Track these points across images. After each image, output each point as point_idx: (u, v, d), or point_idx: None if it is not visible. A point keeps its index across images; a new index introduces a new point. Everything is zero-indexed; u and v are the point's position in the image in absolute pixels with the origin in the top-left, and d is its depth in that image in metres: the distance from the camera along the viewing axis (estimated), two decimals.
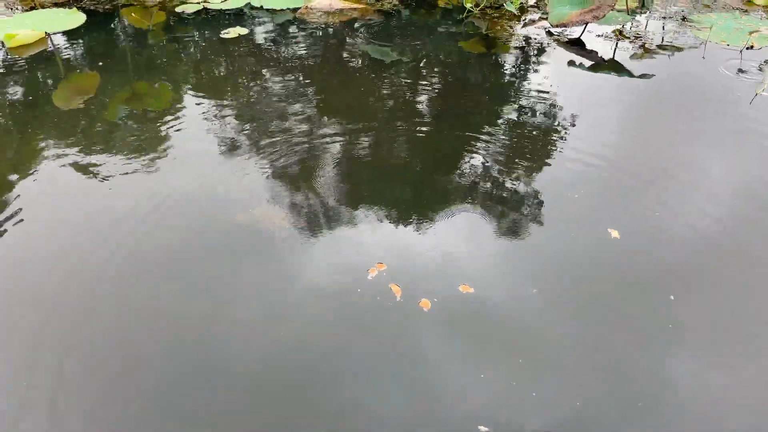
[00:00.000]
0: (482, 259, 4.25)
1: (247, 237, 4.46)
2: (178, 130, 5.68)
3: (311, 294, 3.98)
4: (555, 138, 5.51)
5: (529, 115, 5.91)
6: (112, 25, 7.30)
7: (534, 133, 5.62)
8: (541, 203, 4.79)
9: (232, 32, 7.24)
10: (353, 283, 4.10)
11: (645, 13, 8.10)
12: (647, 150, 5.32)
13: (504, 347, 3.58)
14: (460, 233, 4.46)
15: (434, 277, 4.14)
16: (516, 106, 6.02)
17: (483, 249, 4.33)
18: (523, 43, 7.18)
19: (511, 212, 4.66)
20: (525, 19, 7.86)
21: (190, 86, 6.27)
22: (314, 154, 5.37)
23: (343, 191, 4.89)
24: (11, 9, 7.93)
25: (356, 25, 7.27)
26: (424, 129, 5.70)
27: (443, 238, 4.44)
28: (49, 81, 6.27)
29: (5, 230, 4.39)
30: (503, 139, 5.56)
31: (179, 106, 6.04)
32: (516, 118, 5.84)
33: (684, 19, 7.35)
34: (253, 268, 4.18)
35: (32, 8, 7.75)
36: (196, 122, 5.81)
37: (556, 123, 5.69)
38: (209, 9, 8.10)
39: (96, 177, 5.05)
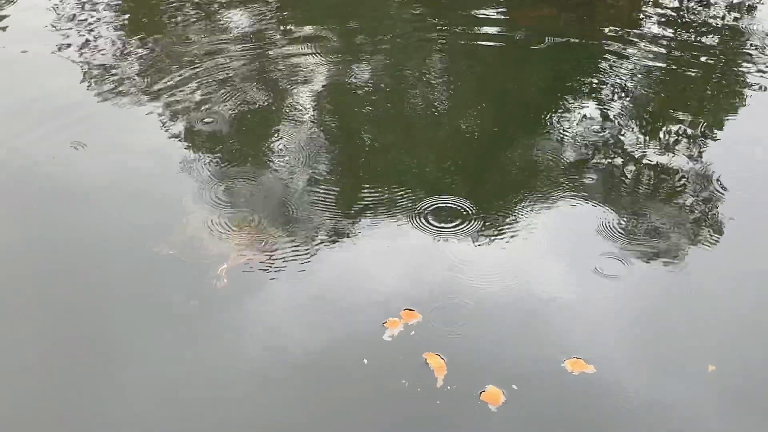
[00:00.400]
0: (605, 312, 3.02)
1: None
2: None
3: (280, 370, 2.76)
4: None
5: None
6: None
7: None
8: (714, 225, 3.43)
9: None
10: (356, 348, 2.81)
11: None
12: None
13: None
14: (560, 258, 3.26)
15: (510, 340, 2.90)
16: None
17: (604, 291, 3.10)
18: None
19: (666, 232, 3.36)
20: None
21: None
22: None
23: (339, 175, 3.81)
24: None
25: None
26: None
27: (526, 265, 3.24)
28: None
29: None
30: None
31: None
32: None
33: None
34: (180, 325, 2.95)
35: None
36: None
37: None
38: None
39: None
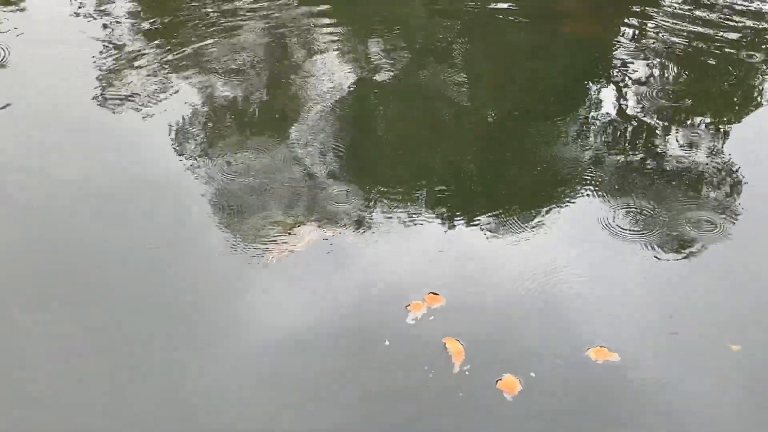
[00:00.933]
0: (629, 300, 2.92)
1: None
2: None
3: (294, 346, 2.72)
4: None
5: None
6: None
7: None
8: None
9: None
10: (377, 328, 2.77)
11: None
12: None
13: None
14: (585, 245, 3.18)
15: (532, 329, 2.81)
16: None
17: (627, 280, 3.01)
18: None
19: (688, 221, 3.28)
20: None
21: None
22: None
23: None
24: None
25: None
26: None
27: (551, 252, 3.13)
28: None
29: None
30: None
31: None
32: None
33: None
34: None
35: None
36: None
37: None
38: None
39: None
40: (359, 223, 3.27)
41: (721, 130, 3.94)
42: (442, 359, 2.68)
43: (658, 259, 3.12)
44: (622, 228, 3.26)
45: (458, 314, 2.87)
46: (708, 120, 4.03)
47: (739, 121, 4.09)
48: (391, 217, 3.32)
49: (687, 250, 3.18)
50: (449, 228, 3.30)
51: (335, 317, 2.84)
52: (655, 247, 3.17)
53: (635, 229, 3.26)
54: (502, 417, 2.53)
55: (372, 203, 3.38)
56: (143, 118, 3.89)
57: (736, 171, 3.59)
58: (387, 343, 2.72)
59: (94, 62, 4.31)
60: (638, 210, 3.35)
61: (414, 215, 3.34)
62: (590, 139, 3.87)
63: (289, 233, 3.14)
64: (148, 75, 4.17)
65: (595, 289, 2.99)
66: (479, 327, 2.83)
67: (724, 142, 3.82)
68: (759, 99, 4.25)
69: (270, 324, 2.81)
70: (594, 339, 2.78)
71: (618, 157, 3.72)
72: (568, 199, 3.47)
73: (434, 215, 3.35)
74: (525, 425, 2.52)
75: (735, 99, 4.29)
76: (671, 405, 2.56)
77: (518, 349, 2.77)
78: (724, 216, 3.33)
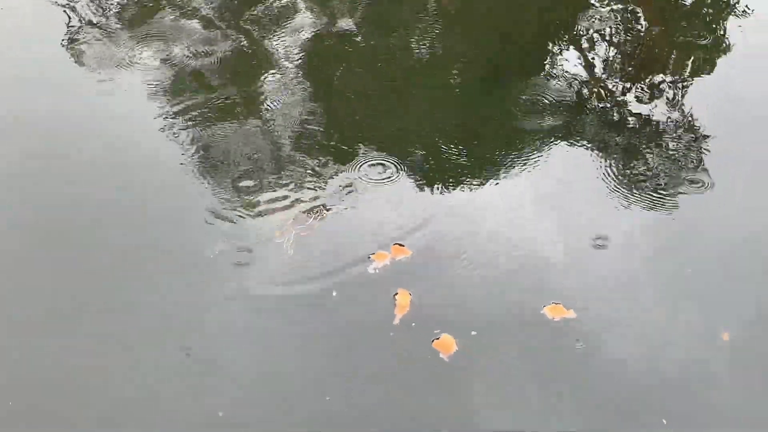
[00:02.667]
0: (592, 255, 2.92)
1: None
2: None
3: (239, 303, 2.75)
4: None
5: None
6: None
7: None
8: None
9: None
10: (334, 276, 2.83)
11: None
12: None
13: None
14: (551, 206, 3.11)
15: (489, 286, 2.80)
16: None
17: (594, 232, 2.98)
18: None
19: (657, 181, 3.20)
20: None
21: None
22: None
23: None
24: None
25: None
26: None
27: (519, 210, 3.11)
28: None
29: None
30: None
31: None
32: None
33: None
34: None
35: None
36: None
37: None
38: None
39: None
40: (331, 184, 3.24)
41: (694, 84, 3.79)
42: (387, 311, 2.72)
43: (626, 215, 3.07)
44: (591, 187, 3.19)
45: (419, 268, 2.87)
46: (688, 72, 3.88)
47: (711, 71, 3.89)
48: (364, 175, 3.28)
49: (656, 209, 3.10)
50: (425, 185, 3.27)
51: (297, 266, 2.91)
52: (625, 205, 3.11)
53: (602, 187, 3.18)
54: (436, 375, 2.55)
55: (344, 165, 3.33)
56: (100, 81, 3.76)
57: (707, 128, 3.46)
58: (334, 294, 2.75)
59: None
60: (605, 168, 3.27)
61: (388, 173, 3.30)
62: (561, 96, 3.72)
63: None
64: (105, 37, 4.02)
65: (562, 250, 2.94)
66: (435, 283, 2.83)
67: (696, 96, 3.69)
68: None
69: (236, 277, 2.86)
70: (553, 297, 2.74)
71: (590, 115, 3.60)
72: (538, 159, 3.37)
73: (409, 172, 3.30)
74: (458, 384, 2.54)
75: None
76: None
77: (471, 307, 2.76)
78: (690, 171, 3.24)
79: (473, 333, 2.63)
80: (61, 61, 3.84)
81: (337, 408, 2.46)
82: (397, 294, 2.75)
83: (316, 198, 3.12)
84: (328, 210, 3.04)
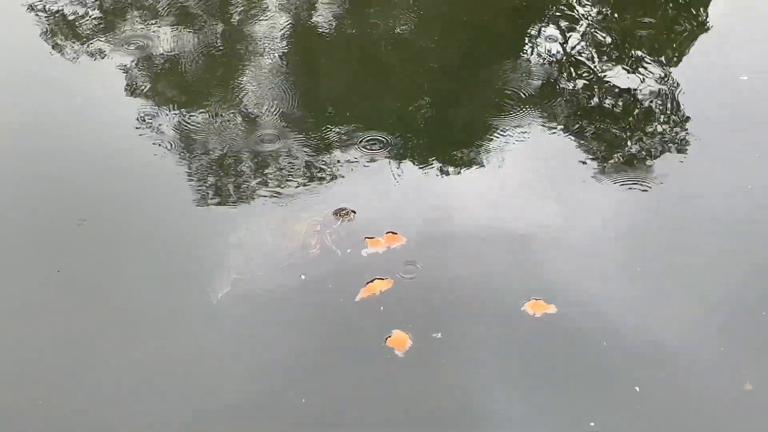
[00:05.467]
0: (577, 248, 2.81)
1: None
2: None
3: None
4: None
5: None
6: None
7: None
8: None
9: None
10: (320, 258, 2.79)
11: None
12: None
13: None
14: (534, 192, 3.04)
15: (472, 279, 2.69)
16: None
17: (576, 225, 2.90)
18: None
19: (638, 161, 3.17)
20: None
21: None
22: None
23: None
24: None
25: None
26: None
27: (497, 199, 3.03)
28: None
29: None
30: None
31: None
32: None
33: None
34: None
35: None
36: None
37: None
38: None
39: None
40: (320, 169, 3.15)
41: (670, 60, 3.71)
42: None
43: (608, 203, 2.98)
44: (572, 169, 3.10)
45: (409, 259, 2.72)
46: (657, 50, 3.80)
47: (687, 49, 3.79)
48: (352, 160, 3.16)
49: (637, 191, 3.00)
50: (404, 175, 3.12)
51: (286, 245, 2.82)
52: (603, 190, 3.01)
53: (581, 174, 3.08)
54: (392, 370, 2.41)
55: (330, 148, 3.23)
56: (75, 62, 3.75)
57: (686, 103, 3.40)
58: (303, 277, 2.65)
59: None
60: (589, 149, 3.17)
61: (376, 158, 3.16)
62: (538, 76, 3.62)
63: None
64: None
65: (548, 235, 2.81)
66: (418, 274, 2.68)
67: (671, 73, 3.61)
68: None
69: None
70: (533, 292, 2.58)
71: (567, 94, 3.48)
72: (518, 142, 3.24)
73: (385, 163, 3.15)
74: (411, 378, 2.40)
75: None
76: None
77: (451, 301, 2.61)
78: (668, 153, 3.19)
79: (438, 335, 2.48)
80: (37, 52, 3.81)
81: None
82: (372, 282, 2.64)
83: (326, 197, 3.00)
84: (354, 212, 2.88)
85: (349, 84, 3.65)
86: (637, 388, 2.34)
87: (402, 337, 2.43)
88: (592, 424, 2.28)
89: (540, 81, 3.57)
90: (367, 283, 2.61)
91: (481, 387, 2.38)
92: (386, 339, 2.44)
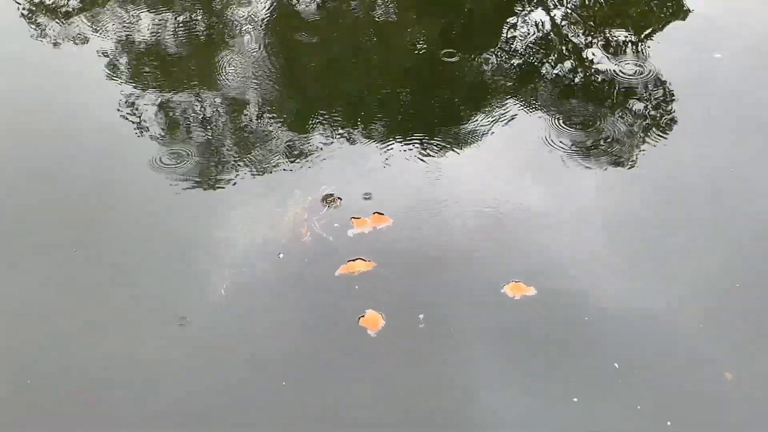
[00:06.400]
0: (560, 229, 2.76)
1: None
2: None
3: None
4: None
5: None
6: None
7: None
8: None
9: None
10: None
11: None
12: None
13: None
14: (515, 173, 2.98)
15: (454, 262, 2.62)
16: None
17: (557, 205, 2.84)
18: None
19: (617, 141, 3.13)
20: None
21: None
22: None
23: None
24: None
25: None
26: None
27: (480, 182, 2.96)
28: None
29: None
30: None
31: None
32: None
33: None
34: None
35: None
36: None
37: None
38: None
39: None
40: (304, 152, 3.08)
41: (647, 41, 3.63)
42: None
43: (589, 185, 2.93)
44: (553, 150, 3.02)
45: (391, 242, 2.66)
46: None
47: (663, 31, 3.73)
48: (334, 144, 3.10)
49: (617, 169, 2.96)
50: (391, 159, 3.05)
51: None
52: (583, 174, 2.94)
53: (560, 155, 3.00)
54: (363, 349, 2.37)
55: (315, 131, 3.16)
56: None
57: (665, 82, 3.36)
58: (281, 255, 2.61)
59: None
60: (569, 135, 3.09)
61: (357, 141, 3.12)
62: (522, 57, 3.55)
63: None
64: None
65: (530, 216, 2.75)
66: (398, 257, 2.62)
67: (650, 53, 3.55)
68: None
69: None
70: (513, 274, 2.52)
71: (547, 75, 3.43)
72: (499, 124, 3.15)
73: (374, 148, 3.09)
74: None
75: None
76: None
77: (431, 284, 2.55)
78: (649, 133, 3.12)
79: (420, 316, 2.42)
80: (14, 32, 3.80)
81: None
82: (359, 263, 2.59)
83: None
84: (340, 199, 2.84)
85: (330, 67, 3.58)
86: (616, 365, 2.30)
87: (375, 317, 2.38)
88: (576, 399, 2.24)
89: (522, 62, 3.51)
90: (349, 261, 2.56)
91: (461, 368, 2.31)
92: (359, 318, 2.39)
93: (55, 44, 3.70)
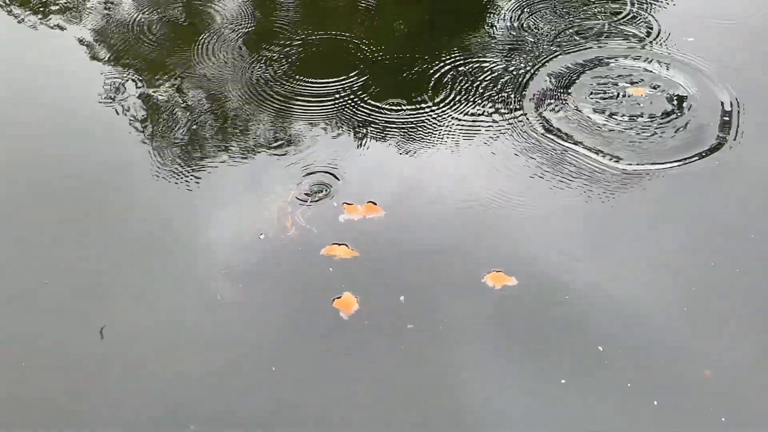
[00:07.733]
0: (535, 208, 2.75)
1: None
2: None
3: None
4: None
5: None
6: None
7: None
8: None
9: None
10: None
11: None
12: None
13: None
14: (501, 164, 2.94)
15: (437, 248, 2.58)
16: None
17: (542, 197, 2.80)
18: None
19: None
20: None
21: None
22: None
23: None
24: None
25: None
26: None
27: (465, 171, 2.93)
28: None
29: None
30: None
31: None
32: None
33: None
34: None
35: None
36: None
37: None
38: None
39: None
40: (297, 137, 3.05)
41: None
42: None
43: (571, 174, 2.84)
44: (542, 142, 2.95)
45: (381, 230, 2.61)
46: None
47: None
48: (317, 133, 3.06)
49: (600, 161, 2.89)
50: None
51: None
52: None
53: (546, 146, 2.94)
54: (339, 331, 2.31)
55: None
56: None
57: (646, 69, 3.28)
58: (261, 236, 2.58)
59: None
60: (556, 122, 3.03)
61: (341, 132, 3.07)
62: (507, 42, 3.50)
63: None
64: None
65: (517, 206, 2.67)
66: (381, 247, 2.58)
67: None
68: None
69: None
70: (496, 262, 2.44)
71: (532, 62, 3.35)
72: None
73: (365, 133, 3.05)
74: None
75: None
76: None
77: (410, 270, 2.49)
78: (632, 122, 3.03)
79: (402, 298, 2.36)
80: None
81: None
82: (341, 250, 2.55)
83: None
84: (323, 190, 2.81)
85: (315, 52, 3.51)
86: (600, 348, 2.22)
87: (350, 300, 2.31)
88: (563, 381, 2.16)
89: (508, 47, 3.44)
90: (333, 244, 2.51)
91: (444, 357, 2.23)
92: (333, 300, 2.33)
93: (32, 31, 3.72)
